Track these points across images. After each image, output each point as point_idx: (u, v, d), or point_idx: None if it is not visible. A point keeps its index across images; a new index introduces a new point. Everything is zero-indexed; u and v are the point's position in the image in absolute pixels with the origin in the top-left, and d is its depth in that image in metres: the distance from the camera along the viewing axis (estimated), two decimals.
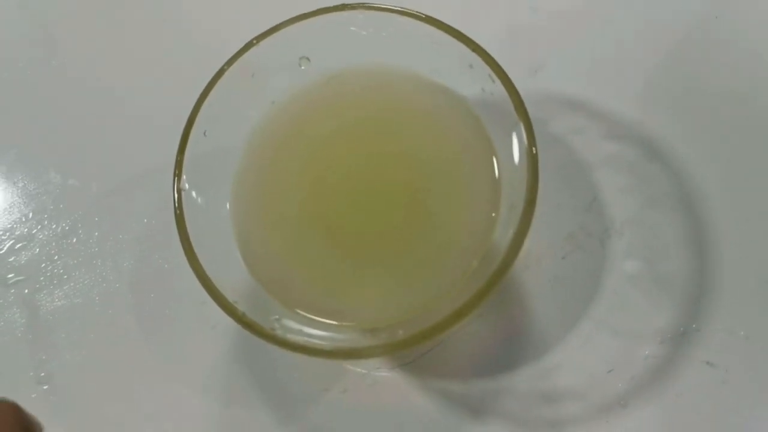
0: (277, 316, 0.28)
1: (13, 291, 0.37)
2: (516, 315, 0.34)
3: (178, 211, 0.28)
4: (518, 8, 0.41)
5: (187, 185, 0.29)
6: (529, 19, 0.40)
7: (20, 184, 0.40)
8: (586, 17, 0.40)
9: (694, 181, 0.35)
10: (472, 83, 0.30)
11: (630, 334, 0.32)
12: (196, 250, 0.28)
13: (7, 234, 0.39)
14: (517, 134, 0.28)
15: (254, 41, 0.30)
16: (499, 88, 0.29)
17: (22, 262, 0.38)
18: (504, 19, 0.40)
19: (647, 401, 0.31)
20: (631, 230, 0.34)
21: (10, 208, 0.40)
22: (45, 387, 0.35)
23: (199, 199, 0.30)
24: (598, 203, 0.35)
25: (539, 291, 0.34)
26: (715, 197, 0.34)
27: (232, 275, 0.29)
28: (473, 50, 0.29)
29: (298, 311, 0.29)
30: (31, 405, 0.34)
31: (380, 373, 0.33)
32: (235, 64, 0.30)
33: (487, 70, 0.29)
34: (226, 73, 0.30)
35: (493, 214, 0.30)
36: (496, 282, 0.26)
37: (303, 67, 0.32)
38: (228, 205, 0.31)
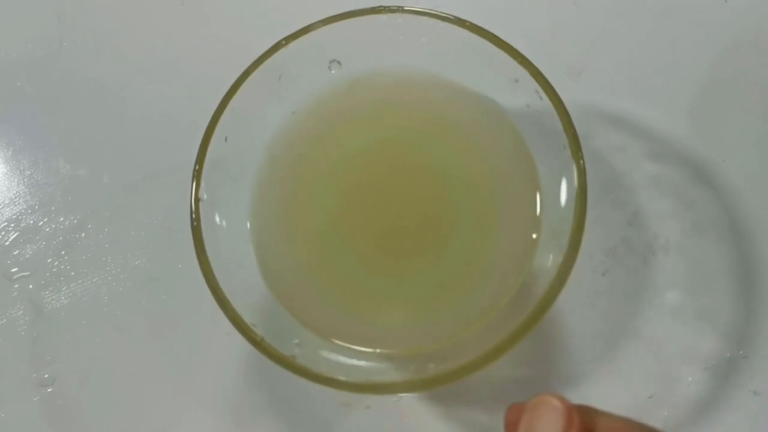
0: (297, 341, 0.27)
1: (17, 286, 0.36)
2: (551, 334, 0.32)
3: (195, 223, 0.27)
4: (561, 2, 0.38)
5: (205, 195, 0.27)
6: (571, 14, 0.38)
7: (27, 173, 0.38)
8: (633, 14, 0.37)
9: (743, 207, 0.33)
10: (516, 98, 0.28)
11: (673, 359, 0.31)
12: (212, 264, 0.26)
13: (12, 225, 0.37)
14: (563, 157, 0.26)
15: (283, 42, 0.28)
16: (546, 104, 0.27)
17: (28, 256, 0.36)
18: (545, 14, 0.38)
19: (689, 429, 0.30)
20: (676, 255, 0.32)
21: (16, 197, 0.38)
22: (49, 389, 0.34)
23: (217, 210, 0.28)
24: (640, 218, 0.33)
25: (577, 309, 0.32)
26: (765, 225, 0.32)
27: (250, 293, 0.28)
28: (521, 63, 0.27)
29: (320, 335, 0.27)
30: (34, 408, 0.34)
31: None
32: (262, 66, 0.28)
33: (534, 85, 0.27)
34: (252, 75, 0.28)
35: (534, 236, 0.28)
36: (536, 320, 0.24)
37: (333, 71, 0.30)
38: (248, 217, 0.29)
